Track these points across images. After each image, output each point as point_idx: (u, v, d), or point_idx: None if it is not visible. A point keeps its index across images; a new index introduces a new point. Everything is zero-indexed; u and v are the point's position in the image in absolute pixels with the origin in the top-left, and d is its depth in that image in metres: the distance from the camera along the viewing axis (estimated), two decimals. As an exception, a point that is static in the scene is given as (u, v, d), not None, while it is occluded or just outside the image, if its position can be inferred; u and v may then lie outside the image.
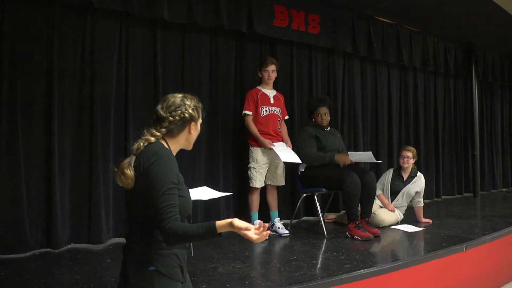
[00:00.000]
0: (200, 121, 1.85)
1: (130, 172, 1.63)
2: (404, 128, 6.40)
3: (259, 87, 4.24)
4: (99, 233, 3.63)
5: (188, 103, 1.78)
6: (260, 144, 4.07)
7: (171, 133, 1.76)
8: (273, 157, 4.11)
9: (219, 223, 1.54)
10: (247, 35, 4.63)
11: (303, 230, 4.37)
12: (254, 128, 4.08)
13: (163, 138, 1.75)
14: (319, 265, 3.04)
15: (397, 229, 4.33)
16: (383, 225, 4.37)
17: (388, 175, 4.71)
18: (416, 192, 4.58)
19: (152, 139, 1.71)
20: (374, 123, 5.98)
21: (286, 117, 4.42)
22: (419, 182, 4.60)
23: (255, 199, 4.12)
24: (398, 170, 4.69)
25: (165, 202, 1.56)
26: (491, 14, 5.88)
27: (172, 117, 1.74)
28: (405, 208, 4.65)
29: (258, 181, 4.08)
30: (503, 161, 8.52)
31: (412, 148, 4.71)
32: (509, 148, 8.71)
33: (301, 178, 4.30)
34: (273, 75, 4.21)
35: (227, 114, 4.52)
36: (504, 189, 8.42)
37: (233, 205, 4.53)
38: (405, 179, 4.62)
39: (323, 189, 4.11)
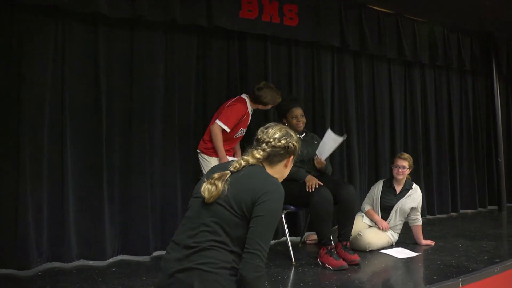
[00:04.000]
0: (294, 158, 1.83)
1: (221, 186, 1.59)
2: (411, 134, 5.55)
3: (249, 105, 3.70)
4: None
5: (292, 135, 1.78)
6: (216, 154, 3.53)
7: (270, 159, 1.73)
8: None
9: None
10: (210, 31, 4.03)
11: (270, 254, 3.66)
12: (220, 142, 3.54)
13: (261, 162, 1.73)
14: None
15: (387, 254, 3.58)
16: (370, 249, 3.63)
17: (378, 188, 3.94)
18: (412, 208, 3.80)
19: (252, 160, 1.68)
20: (372, 129, 5.16)
21: None
22: (415, 196, 3.82)
23: None
24: (390, 182, 3.92)
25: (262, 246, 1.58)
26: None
27: (275, 143, 1.72)
28: (400, 227, 3.87)
29: None
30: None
31: (408, 156, 3.92)
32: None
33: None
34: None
35: (185, 124, 3.90)
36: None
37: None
38: (397, 192, 3.84)
39: (291, 207, 3.43)
